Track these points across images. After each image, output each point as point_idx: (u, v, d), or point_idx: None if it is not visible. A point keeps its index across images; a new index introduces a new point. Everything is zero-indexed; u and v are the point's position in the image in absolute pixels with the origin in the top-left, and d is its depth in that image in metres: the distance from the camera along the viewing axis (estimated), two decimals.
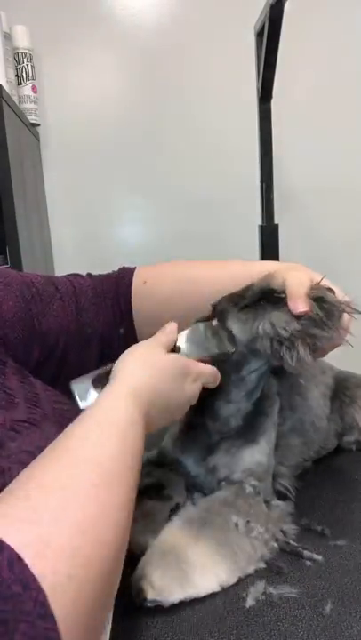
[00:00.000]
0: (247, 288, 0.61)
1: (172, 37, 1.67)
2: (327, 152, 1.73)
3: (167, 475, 0.69)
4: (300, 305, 0.55)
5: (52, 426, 0.55)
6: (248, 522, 0.58)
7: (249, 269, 0.66)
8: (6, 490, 0.38)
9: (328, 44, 1.68)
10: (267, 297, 0.58)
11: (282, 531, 0.59)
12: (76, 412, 0.54)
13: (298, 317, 0.55)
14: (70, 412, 0.58)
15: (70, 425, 0.45)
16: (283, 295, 0.56)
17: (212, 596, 0.52)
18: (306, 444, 0.76)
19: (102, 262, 1.75)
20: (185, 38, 1.68)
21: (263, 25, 1.27)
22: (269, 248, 1.45)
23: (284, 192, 1.60)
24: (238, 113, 1.67)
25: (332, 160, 1.74)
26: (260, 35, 1.33)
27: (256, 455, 0.65)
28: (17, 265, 1.23)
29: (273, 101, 1.41)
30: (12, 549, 0.32)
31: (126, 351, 0.56)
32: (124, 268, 0.78)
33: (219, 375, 0.60)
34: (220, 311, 0.62)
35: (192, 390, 0.57)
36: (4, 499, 0.36)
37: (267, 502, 0.62)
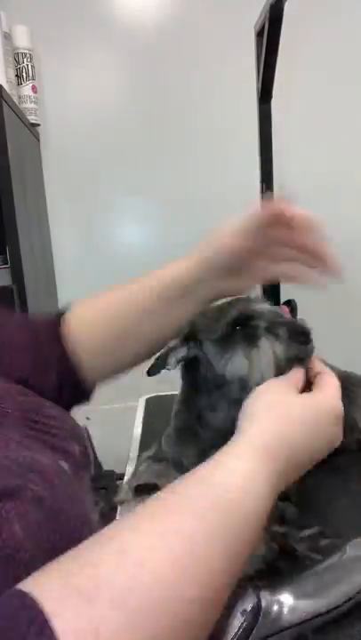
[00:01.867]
0: (221, 310, 0.59)
1: (172, 37, 1.67)
2: (327, 152, 1.73)
3: (167, 471, 0.68)
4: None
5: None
6: None
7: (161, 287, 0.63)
8: (88, 542, 0.33)
9: (328, 44, 1.68)
10: (241, 324, 0.57)
11: (282, 533, 0.59)
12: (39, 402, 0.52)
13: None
14: (33, 403, 0.53)
15: (189, 476, 0.39)
16: (259, 324, 0.56)
17: None
18: None
19: (102, 262, 1.76)
20: (185, 38, 1.68)
21: (263, 25, 1.27)
22: None
23: (284, 192, 1.60)
24: (238, 113, 1.67)
25: (332, 160, 1.74)
26: (260, 35, 1.33)
27: None
28: (17, 265, 1.23)
29: (273, 101, 1.41)
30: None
31: (251, 396, 0.49)
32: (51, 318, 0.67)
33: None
34: (193, 337, 0.60)
35: (334, 434, 0.51)
36: (76, 558, 0.31)
37: None
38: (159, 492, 0.38)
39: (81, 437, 0.57)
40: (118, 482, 0.74)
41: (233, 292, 0.63)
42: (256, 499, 0.39)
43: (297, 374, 0.53)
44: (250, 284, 0.63)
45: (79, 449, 0.54)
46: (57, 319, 0.64)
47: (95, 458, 0.80)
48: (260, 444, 0.43)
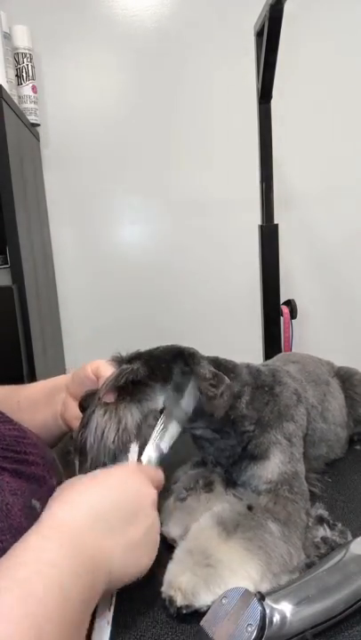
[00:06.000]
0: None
1: (172, 37, 1.67)
2: (327, 152, 1.73)
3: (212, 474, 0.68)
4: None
5: None
6: (285, 529, 0.54)
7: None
8: None
9: (328, 44, 1.68)
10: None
11: (323, 537, 0.56)
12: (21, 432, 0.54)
13: None
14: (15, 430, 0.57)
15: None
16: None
17: None
18: (328, 453, 0.76)
19: (102, 262, 1.76)
20: (185, 38, 1.68)
21: (263, 25, 1.27)
22: (269, 248, 1.45)
23: (284, 192, 1.60)
24: (238, 113, 1.67)
25: (332, 160, 1.74)
26: (260, 35, 1.33)
27: (273, 468, 0.62)
28: (17, 265, 1.23)
29: (273, 101, 1.41)
30: None
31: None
32: None
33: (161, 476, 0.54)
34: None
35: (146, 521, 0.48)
36: None
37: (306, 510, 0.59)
38: None
39: (59, 472, 0.60)
40: None
41: (70, 415, 0.66)
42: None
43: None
44: None
45: (56, 481, 0.57)
46: None
47: None
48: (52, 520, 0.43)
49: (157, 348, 0.62)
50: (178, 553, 0.52)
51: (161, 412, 0.58)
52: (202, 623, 0.44)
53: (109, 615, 0.47)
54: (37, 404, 0.69)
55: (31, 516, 0.45)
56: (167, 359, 0.60)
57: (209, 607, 0.47)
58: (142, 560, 0.47)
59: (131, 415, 0.57)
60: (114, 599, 0.48)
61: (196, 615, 0.48)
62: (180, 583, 0.48)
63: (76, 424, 0.61)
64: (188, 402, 0.58)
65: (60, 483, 0.56)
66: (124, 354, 0.62)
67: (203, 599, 0.48)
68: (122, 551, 0.44)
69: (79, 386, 0.64)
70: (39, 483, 0.54)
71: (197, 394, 0.58)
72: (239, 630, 0.42)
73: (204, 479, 0.65)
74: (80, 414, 0.60)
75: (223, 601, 0.44)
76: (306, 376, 0.74)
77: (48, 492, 0.48)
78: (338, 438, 0.77)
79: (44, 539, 0.40)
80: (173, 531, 0.58)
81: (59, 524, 0.42)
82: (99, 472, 0.49)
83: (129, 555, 0.45)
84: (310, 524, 0.58)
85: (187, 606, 0.48)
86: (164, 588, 0.49)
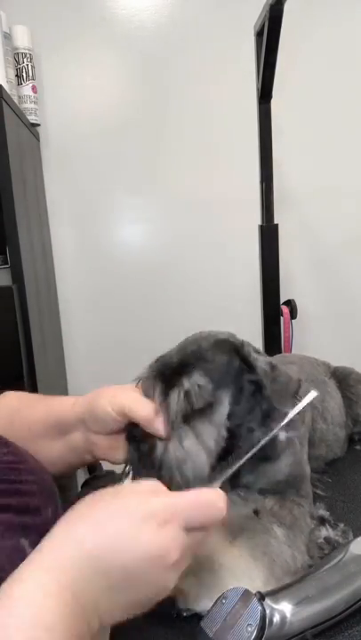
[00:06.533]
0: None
1: (172, 37, 1.67)
2: (327, 152, 1.73)
3: None
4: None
5: None
6: (291, 534, 0.54)
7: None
8: None
9: (328, 44, 1.68)
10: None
11: (325, 537, 0.57)
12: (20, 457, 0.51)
13: None
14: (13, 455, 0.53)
15: None
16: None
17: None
18: (327, 453, 0.77)
19: (102, 262, 1.76)
20: (185, 38, 1.68)
21: (263, 25, 1.27)
22: (269, 248, 1.45)
23: (284, 192, 1.60)
24: (238, 113, 1.67)
25: (331, 160, 1.74)
26: (260, 35, 1.33)
27: (282, 469, 0.61)
28: (17, 265, 1.23)
29: (273, 101, 1.41)
30: None
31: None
32: None
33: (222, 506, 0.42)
34: None
35: (159, 543, 0.39)
36: None
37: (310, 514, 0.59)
38: None
39: (55, 499, 0.56)
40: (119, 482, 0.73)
41: (102, 451, 0.60)
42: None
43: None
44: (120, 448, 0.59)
45: (52, 509, 0.53)
46: None
47: None
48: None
49: (196, 342, 0.56)
50: None
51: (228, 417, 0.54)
52: (202, 623, 0.44)
53: None
54: (46, 436, 0.63)
55: (18, 559, 0.39)
56: (224, 362, 0.54)
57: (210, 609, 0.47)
58: (141, 610, 0.41)
59: (209, 435, 0.52)
60: None
61: (196, 616, 0.48)
62: (183, 586, 0.48)
63: (115, 454, 0.57)
64: (250, 401, 0.55)
65: (55, 510, 0.54)
66: (144, 370, 0.55)
67: (204, 604, 0.48)
68: (121, 609, 0.40)
69: (102, 427, 0.58)
70: (32, 515, 0.50)
71: (266, 392, 0.54)
72: (239, 630, 0.42)
73: None
74: (121, 444, 0.56)
75: (223, 601, 0.44)
76: (305, 377, 0.74)
77: (42, 524, 0.45)
78: (337, 438, 0.77)
79: (43, 588, 0.35)
80: None
81: (60, 566, 0.37)
82: (112, 508, 0.41)
83: (128, 611, 0.40)
84: (313, 525, 0.58)
85: (187, 609, 0.48)
86: None
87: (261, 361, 0.56)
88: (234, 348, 0.56)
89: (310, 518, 0.58)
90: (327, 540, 0.55)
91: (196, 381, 0.52)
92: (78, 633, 0.36)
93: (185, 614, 0.48)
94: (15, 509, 0.48)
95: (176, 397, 0.51)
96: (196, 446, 0.51)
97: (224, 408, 0.54)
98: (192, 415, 0.52)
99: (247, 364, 0.55)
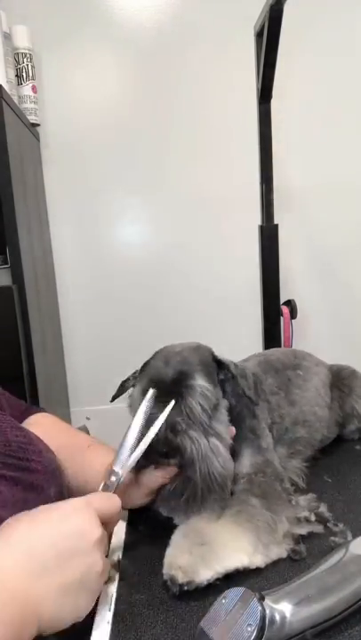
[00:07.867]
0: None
1: (172, 37, 1.67)
2: (327, 152, 1.73)
3: None
4: None
5: None
6: (264, 501, 0.59)
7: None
8: None
9: (328, 44, 1.68)
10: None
11: (305, 518, 0.60)
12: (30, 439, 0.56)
13: None
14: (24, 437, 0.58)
15: None
16: None
17: (213, 597, 0.52)
18: (311, 433, 0.78)
19: (102, 262, 1.76)
20: (185, 38, 1.68)
21: (263, 25, 1.27)
22: (269, 248, 1.45)
23: (284, 192, 1.60)
24: (238, 113, 1.67)
25: (331, 160, 1.74)
26: (260, 35, 1.33)
27: (245, 462, 0.66)
28: (17, 265, 1.23)
29: (273, 101, 1.41)
30: None
31: None
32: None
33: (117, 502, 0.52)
34: None
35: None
36: None
37: (285, 490, 0.64)
38: None
39: (60, 481, 0.61)
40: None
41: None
42: None
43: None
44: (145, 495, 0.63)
45: (55, 490, 0.58)
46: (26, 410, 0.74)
47: None
48: None
49: (178, 354, 0.62)
50: (174, 538, 0.55)
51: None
52: (202, 623, 0.44)
53: (109, 615, 0.47)
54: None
55: None
56: (210, 364, 0.63)
57: (208, 583, 0.50)
58: (80, 603, 0.45)
59: (224, 430, 0.61)
60: (114, 599, 0.48)
61: (196, 616, 0.48)
62: (180, 562, 0.51)
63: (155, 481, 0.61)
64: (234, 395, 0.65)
65: (59, 492, 0.59)
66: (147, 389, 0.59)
67: (202, 575, 0.51)
68: (55, 593, 0.43)
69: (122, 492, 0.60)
70: (37, 491, 0.55)
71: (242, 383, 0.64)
72: (239, 630, 0.42)
73: None
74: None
75: (223, 601, 0.44)
76: (265, 367, 0.78)
77: (43, 502, 0.48)
78: (318, 417, 0.78)
79: None
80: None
81: None
82: (46, 507, 0.47)
83: (64, 597, 0.43)
84: (293, 502, 0.62)
85: (188, 583, 0.50)
86: (164, 570, 0.52)
87: (227, 360, 0.65)
88: (210, 352, 0.65)
89: (281, 488, 0.63)
90: (306, 518, 0.60)
91: (203, 385, 0.59)
92: (7, 619, 0.39)
93: (186, 588, 0.50)
94: (23, 485, 0.53)
95: (193, 402, 0.58)
96: (220, 442, 0.58)
97: (224, 402, 0.63)
98: (206, 414, 0.58)
99: (219, 364, 0.65)
